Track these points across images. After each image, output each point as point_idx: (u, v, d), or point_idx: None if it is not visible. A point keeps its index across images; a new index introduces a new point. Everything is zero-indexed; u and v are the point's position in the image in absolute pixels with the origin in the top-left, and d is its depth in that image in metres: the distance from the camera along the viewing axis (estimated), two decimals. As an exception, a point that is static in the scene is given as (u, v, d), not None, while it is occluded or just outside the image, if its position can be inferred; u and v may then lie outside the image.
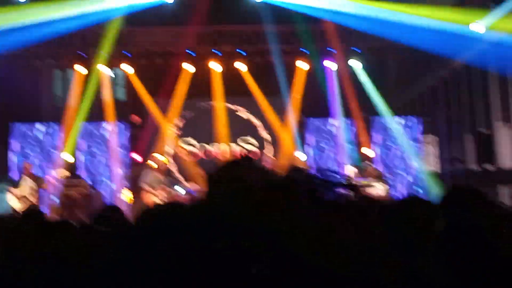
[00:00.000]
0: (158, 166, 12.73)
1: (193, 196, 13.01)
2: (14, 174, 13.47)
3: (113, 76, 15.31)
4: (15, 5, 12.86)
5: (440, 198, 2.84)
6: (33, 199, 11.72)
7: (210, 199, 1.99)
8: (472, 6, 13.02)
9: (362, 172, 12.43)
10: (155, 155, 13.50)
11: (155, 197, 12.26)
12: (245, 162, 2.31)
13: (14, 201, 11.49)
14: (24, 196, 11.58)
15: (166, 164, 13.34)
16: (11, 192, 11.57)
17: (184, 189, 13.02)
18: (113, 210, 4.46)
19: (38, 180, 12.06)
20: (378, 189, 11.78)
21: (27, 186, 11.71)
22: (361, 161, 13.95)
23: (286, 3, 13.64)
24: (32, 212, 4.79)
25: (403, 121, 14.97)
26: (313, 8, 13.60)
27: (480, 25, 12.54)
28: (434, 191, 13.70)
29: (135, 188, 13.70)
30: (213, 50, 14.83)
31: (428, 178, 14.41)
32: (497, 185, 13.23)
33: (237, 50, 14.89)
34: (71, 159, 14.22)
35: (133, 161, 14.66)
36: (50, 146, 14.40)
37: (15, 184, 11.74)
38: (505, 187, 13.53)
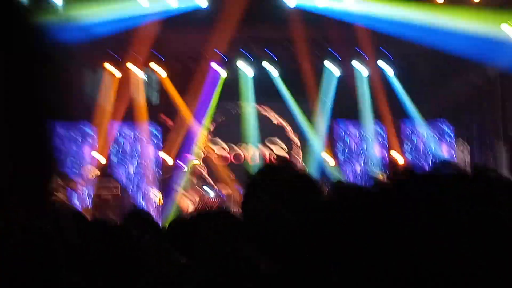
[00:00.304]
0: (191, 169, 12.86)
1: (222, 199, 13.14)
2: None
3: (146, 79, 15.47)
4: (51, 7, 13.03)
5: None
6: (62, 196, 11.92)
7: (249, 207, 2.01)
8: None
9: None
10: (189, 158, 13.63)
11: (188, 200, 12.38)
12: (282, 164, 2.33)
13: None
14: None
15: (198, 167, 13.46)
16: None
17: (214, 192, 13.13)
18: (142, 213, 4.51)
19: (66, 179, 12.21)
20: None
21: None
22: (390, 167, 13.94)
23: (318, 8, 13.64)
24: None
25: (434, 127, 14.89)
26: (345, 13, 13.59)
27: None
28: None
29: (166, 190, 13.85)
30: (245, 53, 14.91)
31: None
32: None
33: (269, 53, 14.97)
34: (103, 159, 14.41)
35: (164, 163, 14.80)
36: (82, 146, 14.59)
37: None
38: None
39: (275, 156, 15.32)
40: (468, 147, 15.41)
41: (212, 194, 13.04)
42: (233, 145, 15.37)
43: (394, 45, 14.58)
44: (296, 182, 2.04)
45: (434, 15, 13.00)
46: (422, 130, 14.78)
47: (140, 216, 4.21)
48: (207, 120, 15.21)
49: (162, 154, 14.83)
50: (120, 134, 14.89)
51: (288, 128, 15.47)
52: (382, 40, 14.56)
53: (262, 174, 2.15)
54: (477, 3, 13.07)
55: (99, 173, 13.91)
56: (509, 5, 13.03)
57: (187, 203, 12.37)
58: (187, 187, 12.56)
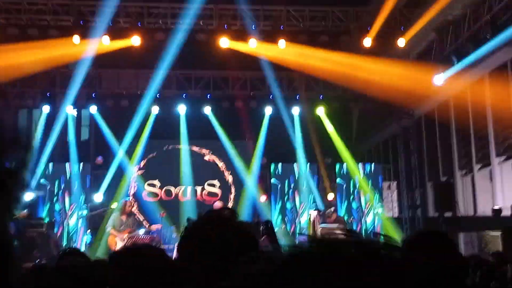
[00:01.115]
0: (122, 208, 12.64)
1: (152, 237, 12.93)
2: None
3: (78, 116, 15.26)
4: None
5: (406, 241, 2.89)
6: None
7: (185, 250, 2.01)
8: (435, 60, 13.51)
9: (325, 218, 12.57)
10: (119, 196, 13.42)
11: (118, 239, 12.14)
12: (225, 216, 2.33)
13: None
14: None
15: (130, 205, 13.25)
16: None
17: (144, 229, 12.94)
18: (74, 252, 4.39)
19: None
20: (340, 235, 11.91)
21: None
22: (325, 207, 14.11)
23: (250, 49, 13.88)
24: None
25: (365, 168, 15.24)
26: (277, 56, 13.88)
27: (441, 77, 13.01)
28: (393, 236, 13.89)
29: (97, 229, 13.55)
30: (180, 94, 14.97)
31: (388, 224, 14.66)
32: (456, 232, 13.56)
33: (205, 94, 15.07)
34: (29, 197, 14.00)
35: (95, 201, 14.51)
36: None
37: None
38: (462, 234, 13.87)
39: (206, 193, 15.31)
40: (397, 186, 15.83)
41: (141, 231, 12.84)
42: (169, 186, 15.27)
43: (327, 88, 14.96)
44: (234, 239, 2.06)
45: (364, 63, 13.46)
46: (353, 170, 15.07)
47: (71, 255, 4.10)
48: (138, 158, 15.07)
49: (95, 195, 14.53)
50: (50, 173, 14.52)
51: (221, 166, 15.51)
52: (315, 82, 14.93)
53: (203, 221, 2.16)
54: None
55: (26, 213, 13.47)
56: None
57: (115, 240, 12.12)
58: (117, 227, 12.31)
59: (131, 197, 14.45)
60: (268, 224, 5.81)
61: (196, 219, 2.18)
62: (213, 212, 2.49)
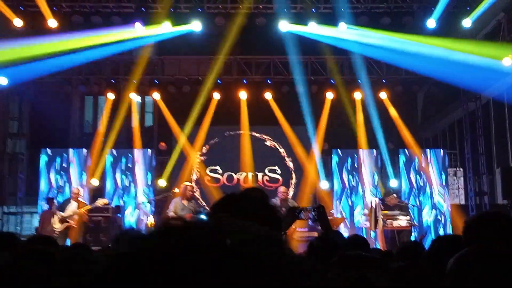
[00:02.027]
0: (183, 192, 12.79)
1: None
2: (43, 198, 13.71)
3: (141, 102, 15.55)
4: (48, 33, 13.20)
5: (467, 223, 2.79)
6: (73, 222, 12.10)
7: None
8: (504, 41, 12.96)
9: (385, 202, 12.31)
10: (182, 182, 13.59)
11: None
12: (252, 195, 2.32)
13: (57, 223, 11.91)
14: (66, 219, 11.98)
15: (191, 190, 13.40)
16: (57, 214, 11.98)
17: (206, 213, 13.06)
18: (131, 232, 4.47)
19: (83, 207, 12.46)
20: (401, 221, 11.66)
21: (70, 210, 12.08)
22: (386, 193, 13.82)
23: (313, 34, 13.72)
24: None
25: (430, 154, 14.82)
26: (342, 39, 13.66)
27: (510, 59, 12.45)
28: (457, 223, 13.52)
29: (160, 213, 13.78)
30: (241, 79, 15.00)
31: (452, 211, 14.24)
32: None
33: (265, 79, 15.03)
34: (95, 183, 14.41)
35: (159, 186, 14.76)
36: (78, 172, 14.58)
37: (62, 206, 12.17)
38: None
39: (267, 179, 15.30)
40: (464, 173, 15.32)
41: (204, 217, 12.97)
42: (230, 172, 15.36)
43: (391, 71, 14.62)
44: (257, 214, 2.07)
45: (430, 43, 13.06)
46: (417, 156, 14.69)
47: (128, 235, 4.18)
48: (201, 144, 15.23)
49: (159, 180, 14.79)
50: (115, 159, 14.88)
51: (282, 151, 15.46)
52: (378, 65, 14.62)
53: (225, 200, 2.19)
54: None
55: (106, 201, 13.87)
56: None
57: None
58: (179, 212, 12.48)
59: (193, 182, 14.63)
60: (320, 209, 5.72)
61: (222, 197, 2.19)
62: (239, 191, 2.47)
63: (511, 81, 13.81)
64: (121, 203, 14.43)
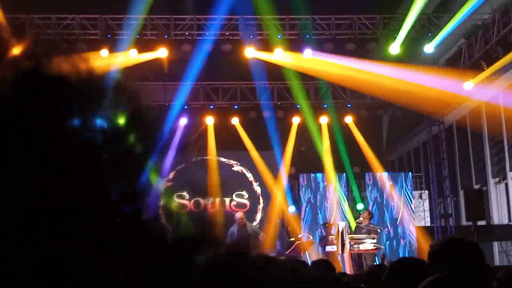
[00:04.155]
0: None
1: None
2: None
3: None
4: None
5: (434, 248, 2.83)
6: None
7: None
8: (465, 66, 13.29)
9: (359, 222, 12.35)
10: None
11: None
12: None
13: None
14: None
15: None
16: None
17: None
18: None
19: None
20: (367, 244, 11.74)
21: None
22: (355, 217, 13.91)
23: (279, 60, 13.85)
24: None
25: (395, 177, 15.02)
26: (307, 65, 13.82)
27: (471, 83, 12.77)
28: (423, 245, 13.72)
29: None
30: (208, 105, 15.01)
31: (418, 233, 14.41)
32: (490, 241, 13.23)
33: (232, 105, 15.08)
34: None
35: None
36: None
37: None
38: (496, 243, 13.52)
39: (235, 204, 15.29)
40: (428, 195, 15.55)
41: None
42: (198, 198, 15.28)
43: (355, 96, 14.83)
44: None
45: (393, 68, 13.31)
46: (383, 179, 14.87)
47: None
48: (165, 169, 15.12)
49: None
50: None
51: (249, 176, 15.48)
52: (342, 90, 14.82)
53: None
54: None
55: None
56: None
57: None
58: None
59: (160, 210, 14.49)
60: None
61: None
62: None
63: (472, 105, 14.16)
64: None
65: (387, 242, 14.28)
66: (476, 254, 2.73)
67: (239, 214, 11.80)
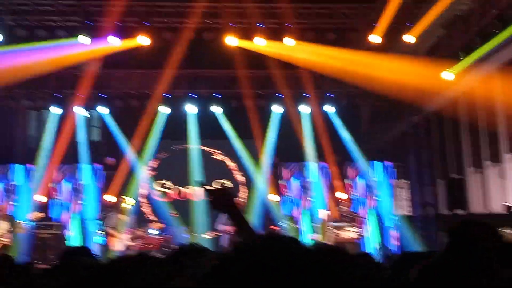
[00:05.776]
0: (121, 207, 12.73)
1: (165, 237, 12.97)
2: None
3: (89, 117, 15.35)
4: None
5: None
6: (6, 241, 11.69)
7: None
8: (442, 55, 13.40)
9: (340, 210, 12.48)
10: (123, 197, 13.49)
11: (118, 240, 12.21)
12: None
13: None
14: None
15: (131, 205, 13.30)
16: None
17: (156, 230, 12.99)
18: (81, 251, 4.36)
19: (13, 222, 12.06)
20: (351, 232, 11.87)
21: (0, 227, 11.69)
22: (336, 205, 14.03)
23: (260, 48, 13.87)
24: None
25: (375, 166, 15.15)
26: (288, 54, 13.86)
27: (450, 73, 12.88)
28: (405, 234, 13.88)
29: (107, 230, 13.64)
30: (189, 94, 14.99)
31: (400, 222, 14.56)
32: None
33: (213, 93, 15.08)
34: (44, 200, 14.13)
35: (107, 203, 14.56)
36: (23, 188, 14.27)
37: None
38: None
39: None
40: (409, 184, 15.69)
41: (155, 232, 12.91)
42: (179, 187, 15.30)
43: (336, 85, 14.90)
44: None
45: (373, 59, 13.39)
46: (364, 168, 15.00)
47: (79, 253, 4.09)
48: (149, 159, 15.13)
49: (105, 196, 14.57)
50: (61, 174, 14.63)
51: (231, 165, 15.52)
52: (323, 80, 14.88)
53: None
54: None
55: (42, 214, 13.63)
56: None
57: (118, 244, 12.21)
58: (117, 227, 12.38)
59: (141, 198, 14.54)
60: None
61: None
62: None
63: (449, 95, 14.28)
64: (67, 218, 14.19)
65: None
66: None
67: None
